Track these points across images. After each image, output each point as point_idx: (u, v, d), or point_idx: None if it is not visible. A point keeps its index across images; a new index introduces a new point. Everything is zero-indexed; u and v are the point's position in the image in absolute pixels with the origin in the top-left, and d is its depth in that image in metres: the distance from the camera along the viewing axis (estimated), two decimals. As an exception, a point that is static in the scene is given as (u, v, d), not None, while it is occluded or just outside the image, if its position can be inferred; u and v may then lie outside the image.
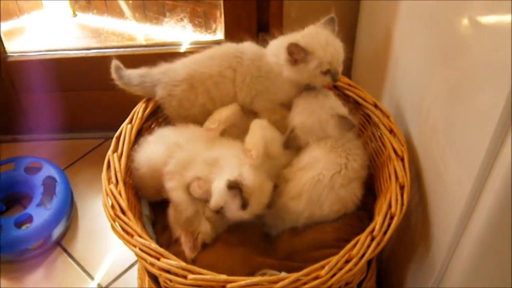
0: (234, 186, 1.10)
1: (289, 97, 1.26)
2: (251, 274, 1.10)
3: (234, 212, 1.11)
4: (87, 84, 1.88)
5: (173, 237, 1.19)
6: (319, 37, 1.19)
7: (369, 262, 1.24)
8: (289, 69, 1.20)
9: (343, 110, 1.22)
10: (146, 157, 1.21)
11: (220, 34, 1.81)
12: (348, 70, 1.76)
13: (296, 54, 1.18)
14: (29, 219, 1.69)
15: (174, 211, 1.18)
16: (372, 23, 1.53)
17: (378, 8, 1.47)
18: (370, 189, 1.26)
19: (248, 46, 1.28)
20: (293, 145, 1.24)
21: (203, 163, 1.15)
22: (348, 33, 1.67)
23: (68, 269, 1.70)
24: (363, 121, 1.31)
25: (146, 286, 1.33)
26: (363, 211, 1.21)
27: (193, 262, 1.14)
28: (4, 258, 1.70)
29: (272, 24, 1.74)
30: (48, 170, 1.80)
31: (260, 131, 1.21)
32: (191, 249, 1.14)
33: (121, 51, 1.81)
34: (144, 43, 1.86)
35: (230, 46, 1.30)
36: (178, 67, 1.28)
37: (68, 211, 1.78)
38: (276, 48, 1.24)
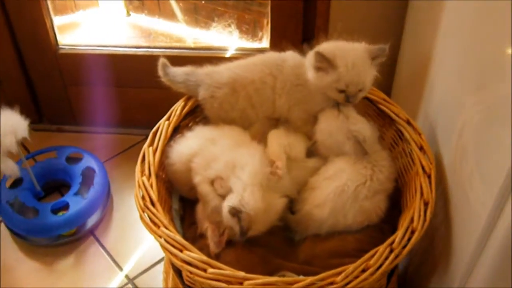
0: (235, 213, 1.13)
1: (323, 108, 1.28)
2: (270, 274, 1.12)
3: (238, 235, 1.15)
4: (133, 81, 1.94)
5: (199, 232, 1.23)
6: (349, 56, 1.21)
7: (389, 275, 1.25)
8: (312, 73, 1.23)
9: (363, 131, 1.23)
10: (180, 152, 1.26)
11: (265, 43, 1.85)
12: (389, 87, 1.78)
13: (320, 62, 1.21)
14: (66, 206, 1.76)
15: (202, 205, 1.22)
16: (415, 42, 1.55)
17: (421, 28, 1.48)
18: (396, 204, 1.27)
19: (290, 55, 1.32)
20: (314, 155, 1.28)
21: (223, 163, 1.19)
22: (393, 49, 1.69)
23: (98, 258, 1.76)
24: (395, 137, 1.32)
25: (171, 279, 1.37)
26: (386, 224, 1.22)
27: (216, 257, 1.17)
28: (38, 242, 1.77)
29: (317, 36, 1.76)
30: (88, 161, 1.87)
31: (276, 141, 1.26)
32: (216, 244, 1.18)
33: (169, 51, 1.87)
34: (191, 45, 1.91)
35: (273, 54, 1.33)
36: (222, 70, 1.33)
37: (104, 202, 1.84)
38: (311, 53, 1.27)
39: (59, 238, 1.77)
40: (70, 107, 2.05)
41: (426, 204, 1.13)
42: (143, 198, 1.17)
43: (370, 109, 1.37)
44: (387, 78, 1.77)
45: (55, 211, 1.75)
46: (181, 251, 1.07)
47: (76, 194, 1.78)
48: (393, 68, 1.74)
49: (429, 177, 1.18)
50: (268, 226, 1.18)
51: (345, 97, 1.23)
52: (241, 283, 1.03)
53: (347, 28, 1.74)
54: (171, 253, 1.08)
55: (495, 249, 0.97)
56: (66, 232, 1.76)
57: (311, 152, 1.30)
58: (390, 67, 1.75)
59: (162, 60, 1.37)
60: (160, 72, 1.37)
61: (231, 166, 1.18)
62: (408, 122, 1.28)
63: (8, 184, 1.86)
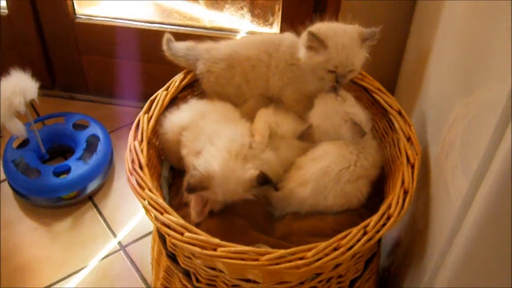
0: (195, 171, 1.16)
1: (316, 89, 1.30)
2: (247, 246, 1.15)
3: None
4: (145, 55, 1.98)
5: (184, 201, 1.26)
6: (339, 38, 1.23)
7: (367, 262, 1.28)
8: (303, 52, 1.26)
9: (359, 115, 1.26)
10: (172, 122, 1.30)
11: (276, 28, 1.88)
12: (394, 82, 1.79)
13: (312, 41, 1.23)
14: (68, 170, 1.81)
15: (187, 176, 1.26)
16: (419, 37, 1.56)
17: (426, 25, 1.49)
18: (380, 191, 1.29)
19: (287, 35, 1.35)
20: (307, 139, 1.29)
21: (207, 136, 1.22)
22: (401, 40, 1.70)
23: (94, 223, 1.81)
24: (386, 127, 1.34)
25: (156, 246, 1.41)
26: (367, 210, 1.24)
27: (197, 226, 1.20)
28: (38, 202, 1.83)
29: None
30: (94, 129, 1.92)
31: (263, 118, 1.29)
32: (197, 213, 1.21)
33: (181, 29, 1.91)
34: (204, 25, 1.95)
35: (272, 34, 1.37)
36: (221, 46, 1.36)
37: (106, 170, 1.89)
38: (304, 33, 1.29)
39: (59, 200, 1.82)
40: (83, 76, 2.10)
41: (405, 193, 1.15)
42: (132, 161, 1.20)
43: (364, 98, 1.38)
44: (392, 72, 1.79)
45: (57, 174, 1.81)
46: (161, 213, 1.11)
47: (78, 159, 1.84)
48: (399, 62, 1.75)
49: (412, 167, 1.19)
50: (233, 196, 1.19)
51: (334, 78, 1.25)
52: (214, 249, 1.06)
53: (356, 18, 1.75)
54: (152, 214, 1.12)
55: (462, 246, 1.01)
56: (66, 195, 1.82)
57: (304, 137, 1.31)
58: (396, 61, 1.76)
59: (167, 35, 1.42)
60: (164, 46, 1.41)
61: (211, 137, 1.21)
62: (400, 113, 1.30)
63: (15, 144, 1.91)
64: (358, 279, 1.27)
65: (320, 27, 1.26)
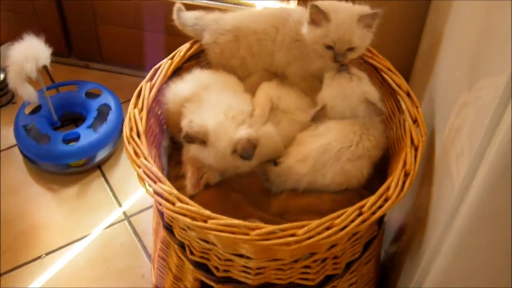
0: (188, 124, 1.16)
1: (321, 68, 1.27)
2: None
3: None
4: (161, 27, 1.96)
5: (182, 172, 1.25)
6: (341, 14, 1.20)
7: (366, 244, 1.25)
8: (305, 27, 1.23)
9: (375, 95, 1.23)
10: (175, 92, 1.28)
11: (293, 3, 1.84)
12: (409, 69, 1.74)
13: (314, 14, 1.20)
14: (77, 138, 1.81)
15: (186, 148, 1.24)
16: (433, 25, 1.51)
17: (440, 14, 1.44)
18: (383, 173, 1.25)
19: (297, 10, 1.31)
20: (321, 120, 1.25)
21: (208, 106, 1.20)
22: (417, 27, 1.65)
23: (100, 192, 1.81)
24: (393, 107, 1.30)
25: (155, 217, 1.41)
26: (367, 191, 1.21)
27: (191, 198, 1.19)
28: (47, 168, 1.84)
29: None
30: (106, 98, 1.92)
31: (265, 92, 1.26)
32: (193, 185, 1.20)
33: (197, 2, 1.89)
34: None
35: (281, 8, 1.33)
36: (228, 18, 1.34)
37: (115, 140, 1.89)
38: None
39: (67, 167, 1.83)
40: (98, 45, 2.10)
41: (406, 175, 1.12)
42: (131, 129, 1.19)
43: (373, 77, 1.34)
44: (408, 60, 1.74)
45: (66, 141, 1.81)
46: (155, 182, 1.10)
47: (89, 127, 1.84)
48: (415, 49, 1.70)
49: (416, 149, 1.16)
50: (223, 161, 1.18)
51: (333, 55, 1.21)
52: (205, 221, 1.04)
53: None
54: (145, 183, 1.10)
55: (456, 235, 0.98)
56: (75, 163, 1.82)
57: (318, 119, 1.27)
58: (412, 49, 1.71)
59: (177, 5, 1.40)
60: (174, 16, 1.40)
61: (213, 106, 1.20)
62: (408, 94, 1.26)
63: (28, 110, 1.92)
64: (355, 261, 1.24)
65: (322, 2, 1.22)
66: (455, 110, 1.11)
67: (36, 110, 1.92)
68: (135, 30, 2.02)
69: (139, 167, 1.13)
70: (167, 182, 1.10)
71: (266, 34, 1.29)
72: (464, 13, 1.15)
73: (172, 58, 1.33)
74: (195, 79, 1.29)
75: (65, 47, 2.13)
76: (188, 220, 1.05)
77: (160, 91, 1.29)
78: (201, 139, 1.16)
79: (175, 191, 1.08)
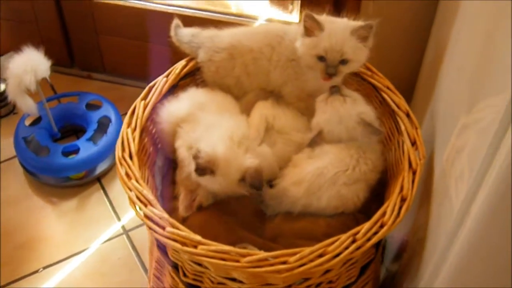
0: (195, 155, 1.12)
1: (316, 88, 1.25)
2: (232, 245, 1.11)
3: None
4: (162, 38, 1.94)
5: (175, 193, 1.23)
6: (333, 24, 1.19)
7: (363, 268, 1.22)
8: (300, 39, 1.21)
9: (371, 115, 1.20)
10: (169, 112, 1.26)
11: (296, 16, 1.82)
12: (413, 84, 1.71)
13: (309, 23, 1.19)
14: (76, 150, 1.80)
15: (180, 169, 1.22)
16: (437, 39, 1.48)
17: (442, 29, 1.42)
18: (379, 196, 1.23)
19: (293, 28, 1.29)
20: (318, 145, 1.23)
21: (204, 127, 1.18)
22: (421, 41, 1.62)
23: (100, 205, 1.80)
24: (392, 128, 1.27)
25: (150, 235, 1.39)
26: (363, 215, 1.18)
27: (183, 220, 1.17)
28: (47, 180, 1.82)
29: (347, 15, 1.71)
30: (106, 110, 1.90)
31: (260, 111, 1.25)
32: (186, 207, 1.18)
33: (198, 13, 1.87)
34: (222, 10, 1.90)
35: (277, 25, 1.32)
36: (224, 35, 1.32)
37: (115, 152, 1.87)
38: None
39: (67, 180, 1.82)
40: (100, 56, 2.09)
41: (403, 200, 1.09)
42: (123, 149, 1.18)
43: (373, 96, 1.32)
44: (412, 74, 1.71)
45: (66, 153, 1.80)
46: (145, 205, 1.08)
47: (88, 140, 1.82)
48: (420, 61, 1.68)
49: (414, 173, 1.13)
50: (230, 186, 1.15)
51: (325, 67, 1.19)
52: (195, 247, 1.02)
53: (378, 11, 1.68)
54: (136, 206, 1.09)
55: (456, 258, 0.95)
56: (74, 175, 1.81)
57: (314, 144, 1.24)
58: (417, 60, 1.68)
59: (175, 21, 1.39)
60: (172, 32, 1.39)
61: (210, 127, 1.17)
62: (408, 115, 1.23)
63: (28, 121, 1.92)
64: (351, 285, 1.21)
65: (319, 17, 1.21)
66: (456, 131, 1.08)
67: (37, 121, 1.90)
68: (137, 41, 2.00)
69: (130, 190, 1.11)
70: (158, 206, 1.08)
71: (261, 53, 1.27)
72: (465, 32, 1.13)
73: (167, 76, 1.32)
74: (190, 98, 1.27)
75: (67, 57, 2.12)
76: (178, 245, 1.03)
77: (154, 109, 1.27)
78: (211, 169, 1.13)
79: (165, 215, 1.06)
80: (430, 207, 1.16)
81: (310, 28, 1.19)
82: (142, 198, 1.09)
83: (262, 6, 1.92)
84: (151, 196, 1.09)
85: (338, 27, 1.19)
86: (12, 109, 2.04)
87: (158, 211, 1.06)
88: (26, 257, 1.67)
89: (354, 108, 1.20)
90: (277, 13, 1.89)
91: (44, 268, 1.65)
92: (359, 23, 1.21)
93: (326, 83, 1.22)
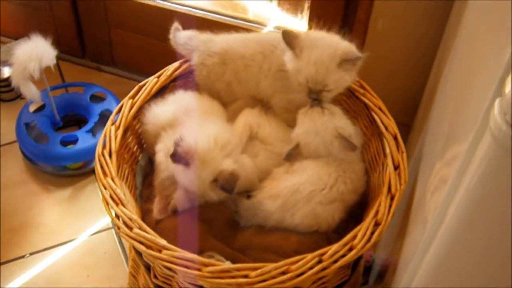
0: (177, 143, 1.11)
1: (304, 101, 1.23)
2: (201, 252, 1.11)
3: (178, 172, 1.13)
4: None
5: (153, 194, 1.23)
6: (316, 52, 1.16)
7: (337, 287, 1.20)
8: (287, 54, 1.19)
9: (349, 130, 1.18)
10: (155, 114, 1.25)
11: (304, 25, 1.80)
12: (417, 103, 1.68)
13: (287, 41, 1.17)
14: (75, 141, 1.81)
15: (157, 172, 1.22)
16: (439, 62, 1.45)
17: (444, 53, 1.39)
18: (359, 217, 1.21)
19: None
20: (295, 159, 1.21)
21: (190, 130, 1.17)
22: (430, 55, 1.59)
23: (93, 197, 1.81)
24: (380, 150, 1.25)
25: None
26: (336, 235, 1.16)
27: (157, 223, 1.17)
28: (44, 168, 1.84)
29: (356, 30, 1.69)
30: (110, 103, 1.91)
31: (245, 119, 1.22)
32: (159, 211, 1.17)
33: (208, 15, 1.86)
34: (231, 13, 1.89)
35: (272, 34, 1.30)
36: (218, 40, 1.31)
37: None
38: None
39: (64, 169, 1.83)
40: (110, 49, 2.10)
41: (377, 225, 1.07)
42: (104, 146, 1.18)
43: (363, 115, 1.30)
44: (418, 91, 1.68)
45: (64, 143, 1.81)
46: (117, 204, 1.08)
47: (88, 131, 1.83)
48: (425, 81, 1.65)
49: (392, 198, 1.11)
50: (201, 187, 1.14)
51: (307, 92, 1.17)
52: (159, 251, 1.02)
53: (388, 25, 1.65)
54: (108, 204, 1.09)
55: None
56: (71, 165, 1.82)
57: (291, 158, 1.23)
58: (423, 79, 1.65)
59: (175, 24, 1.40)
60: (171, 35, 1.39)
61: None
62: (395, 138, 1.21)
63: (33, 108, 1.94)
64: (323, 304, 1.20)
65: (302, 34, 1.18)
66: (438, 164, 1.06)
67: (41, 108, 1.92)
68: (147, 37, 2.01)
69: (104, 187, 1.11)
70: (129, 206, 1.08)
71: (253, 61, 1.26)
72: (455, 63, 1.10)
73: (158, 77, 1.31)
74: (177, 102, 1.27)
75: (79, 47, 2.14)
76: (143, 248, 1.03)
77: (141, 109, 1.27)
78: (186, 160, 1.12)
79: (134, 216, 1.06)
80: (407, 230, 1.14)
81: (292, 46, 1.18)
82: (114, 197, 1.09)
83: (274, 12, 1.91)
84: (123, 196, 1.09)
85: (323, 55, 1.16)
86: (20, 94, 2.06)
87: (128, 212, 1.06)
88: (14, 241, 1.69)
89: (332, 121, 1.18)
90: (287, 18, 1.88)
91: (31, 254, 1.67)
92: (348, 49, 1.18)
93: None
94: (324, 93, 1.18)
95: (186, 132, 1.15)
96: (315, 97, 1.18)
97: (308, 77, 1.15)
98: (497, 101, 0.64)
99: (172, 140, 1.17)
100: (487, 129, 0.66)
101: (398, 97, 1.74)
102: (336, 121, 1.18)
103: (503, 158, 0.65)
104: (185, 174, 1.13)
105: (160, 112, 1.25)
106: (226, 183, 1.11)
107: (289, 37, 1.16)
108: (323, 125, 1.18)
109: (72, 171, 1.83)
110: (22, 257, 1.66)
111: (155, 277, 1.18)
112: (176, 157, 1.12)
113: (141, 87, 1.29)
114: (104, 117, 1.88)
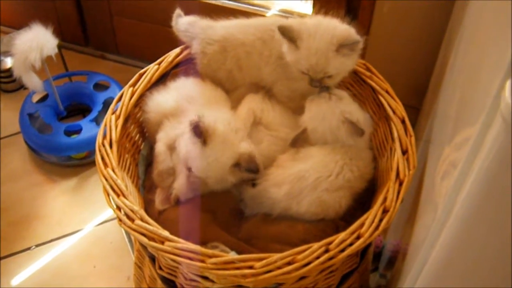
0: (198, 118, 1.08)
1: (307, 88, 1.19)
2: (205, 242, 1.08)
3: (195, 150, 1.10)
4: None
5: (155, 185, 1.20)
6: (315, 41, 1.13)
7: (344, 276, 1.18)
8: (285, 45, 1.17)
9: (357, 114, 1.15)
10: (158, 102, 1.23)
11: (309, 7, 1.76)
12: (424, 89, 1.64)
13: (285, 36, 1.14)
14: (79, 130, 1.79)
15: (157, 161, 1.19)
16: (447, 44, 1.41)
17: (453, 33, 1.35)
18: (367, 204, 1.17)
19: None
20: (302, 145, 1.18)
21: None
22: (435, 42, 1.55)
23: (99, 187, 1.74)
24: (388, 134, 1.21)
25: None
26: (344, 223, 1.13)
27: (160, 213, 1.14)
28: (48, 158, 1.82)
29: (361, 15, 1.65)
30: (113, 91, 1.88)
31: (249, 104, 1.20)
32: (161, 201, 1.15)
33: (212, 1, 1.83)
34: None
35: (272, 18, 1.26)
36: (218, 27, 1.27)
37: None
38: None
39: (68, 159, 1.81)
40: (113, 37, 2.07)
41: (385, 212, 1.04)
42: (104, 136, 1.15)
43: (370, 99, 1.26)
44: (426, 73, 1.65)
45: (68, 133, 1.79)
46: (118, 196, 1.06)
47: (92, 120, 1.81)
48: (433, 62, 1.61)
49: (400, 184, 1.07)
50: (221, 167, 1.11)
51: (309, 80, 1.14)
52: (162, 242, 1.00)
53: (394, 10, 1.61)
54: (109, 195, 1.06)
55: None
56: (76, 155, 1.80)
57: (298, 143, 1.20)
58: (431, 60, 1.61)
59: (177, 11, 1.36)
60: (173, 21, 1.36)
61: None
62: (403, 121, 1.17)
63: (36, 98, 1.92)
64: (331, 293, 1.17)
65: (296, 24, 1.15)
66: (447, 148, 1.02)
67: (44, 98, 1.90)
68: (150, 24, 1.97)
69: (105, 178, 1.09)
70: (130, 198, 1.05)
71: (253, 47, 1.22)
72: (462, 45, 1.06)
73: (159, 64, 1.28)
74: (179, 90, 1.24)
75: (82, 36, 2.12)
76: (145, 239, 1.01)
77: (143, 96, 1.24)
78: (205, 138, 1.09)
79: (135, 207, 1.03)
80: (417, 215, 1.11)
81: (290, 40, 1.15)
82: (115, 188, 1.06)
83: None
84: (123, 187, 1.06)
85: (321, 43, 1.12)
86: (22, 85, 2.04)
87: (129, 203, 1.04)
88: (20, 233, 1.68)
89: (338, 106, 1.14)
90: (291, 4, 1.83)
91: (37, 246, 1.65)
92: (347, 33, 1.14)
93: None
94: (326, 79, 1.14)
95: (205, 112, 1.13)
96: (317, 85, 1.15)
97: (308, 67, 1.13)
98: (508, 83, 0.61)
99: (174, 130, 1.14)
100: (498, 112, 0.62)
101: (406, 79, 1.71)
102: (343, 106, 1.14)
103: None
104: (202, 155, 1.10)
105: (163, 100, 1.22)
106: (251, 164, 1.11)
107: (285, 31, 1.14)
108: (329, 110, 1.15)
109: (77, 161, 1.82)
110: (28, 249, 1.64)
111: (160, 268, 1.16)
112: (196, 130, 1.08)
113: (141, 75, 1.26)
114: (108, 105, 1.83)
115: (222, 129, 1.10)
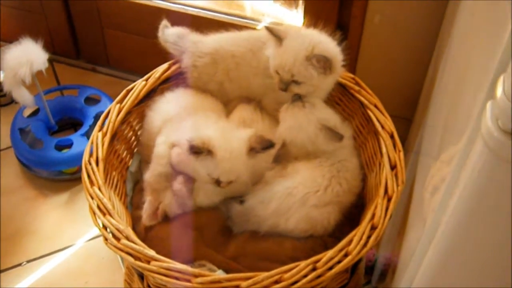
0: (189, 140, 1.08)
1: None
2: (192, 261, 1.07)
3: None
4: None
5: (142, 200, 1.19)
6: (292, 42, 1.14)
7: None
8: (269, 45, 1.18)
9: (333, 120, 1.16)
10: (157, 113, 1.24)
11: (300, 20, 1.76)
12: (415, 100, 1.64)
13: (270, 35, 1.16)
14: (70, 145, 1.78)
15: (149, 172, 1.18)
16: (436, 58, 1.41)
17: (441, 49, 1.34)
18: (356, 219, 1.17)
19: None
20: (284, 160, 1.17)
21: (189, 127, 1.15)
22: (427, 52, 1.55)
23: (90, 201, 1.78)
24: (376, 149, 1.21)
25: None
26: (333, 239, 1.12)
27: (147, 230, 1.13)
28: (40, 173, 1.81)
29: (352, 26, 1.65)
30: (104, 105, 1.87)
31: (239, 114, 1.22)
32: (149, 216, 1.14)
33: (201, 12, 1.83)
34: (226, 11, 1.85)
35: (262, 31, 1.26)
36: (208, 40, 1.28)
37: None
38: None
39: (60, 174, 1.80)
40: (105, 50, 2.06)
41: (373, 228, 1.03)
42: (91, 154, 1.14)
43: (359, 113, 1.25)
44: (417, 86, 1.64)
45: (59, 147, 1.78)
46: (104, 214, 1.05)
47: (83, 135, 1.80)
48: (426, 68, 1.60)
49: (389, 200, 1.07)
50: (239, 160, 1.11)
51: (278, 80, 1.16)
52: (148, 262, 0.99)
53: (384, 21, 1.61)
54: (95, 214, 1.05)
55: None
56: (67, 170, 1.79)
57: (280, 158, 1.19)
58: (425, 66, 1.61)
59: (164, 22, 1.37)
60: (160, 32, 1.35)
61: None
62: (392, 136, 1.16)
63: (27, 112, 1.91)
64: (320, 310, 1.16)
65: (285, 27, 1.16)
66: (435, 163, 1.02)
67: (35, 113, 1.89)
68: (141, 37, 1.97)
69: (91, 197, 1.08)
70: (116, 217, 1.05)
71: (243, 58, 1.23)
72: (449, 62, 1.06)
73: (146, 80, 1.28)
74: (177, 100, 1.24)
75: (73, 49, 2.11)
76: (131, 259, 1.00)
77: (129, 113, 1.23)
78: (207, 149, 1.09)
79: (121, 226, 1.02)
80: (407, 229, 1.10)
81: (275, 37, 1.16)
82: (101, 206, 1.06)
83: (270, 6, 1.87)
84: (110, 206, 1.05)
85: (296, 46, 1.14)
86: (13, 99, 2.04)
87: (115, 222, 1.03)
88: (11, 249, 1.66)
89: (313, 113, 1.14)
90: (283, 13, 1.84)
91: (28, 261, 1.64)
92: (322, 48, 1.15)
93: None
94: (293, 86, 1.15)
95: (198, 125, 1.14)
96: (283, 88, 1.15)
97: (278, 63, 1.14)
98: (488, 104, 0.60)
99: (176, 132, 1.15)
100: (479, 134, 0.62)
101: (398, 91, 1.70)
102: (318, 113, 1.14)
103: (495, 164, 0.61)
104: (215, 164, 1.10)
105: (161, 114, 1.24)
106: (263, 141, 1.12)
107: (273, 30, 1.16)
108: (305, 118, 1.15)
109: (68, 176, 1.80)
110: (19, 265, 1.63)
111: (149, 286, 1.15)
112: (194, 148, 1.09)
113: (128, 91, 1.25)
114: (99, 119, 1.85)
115: (214, 134, 1.11)
